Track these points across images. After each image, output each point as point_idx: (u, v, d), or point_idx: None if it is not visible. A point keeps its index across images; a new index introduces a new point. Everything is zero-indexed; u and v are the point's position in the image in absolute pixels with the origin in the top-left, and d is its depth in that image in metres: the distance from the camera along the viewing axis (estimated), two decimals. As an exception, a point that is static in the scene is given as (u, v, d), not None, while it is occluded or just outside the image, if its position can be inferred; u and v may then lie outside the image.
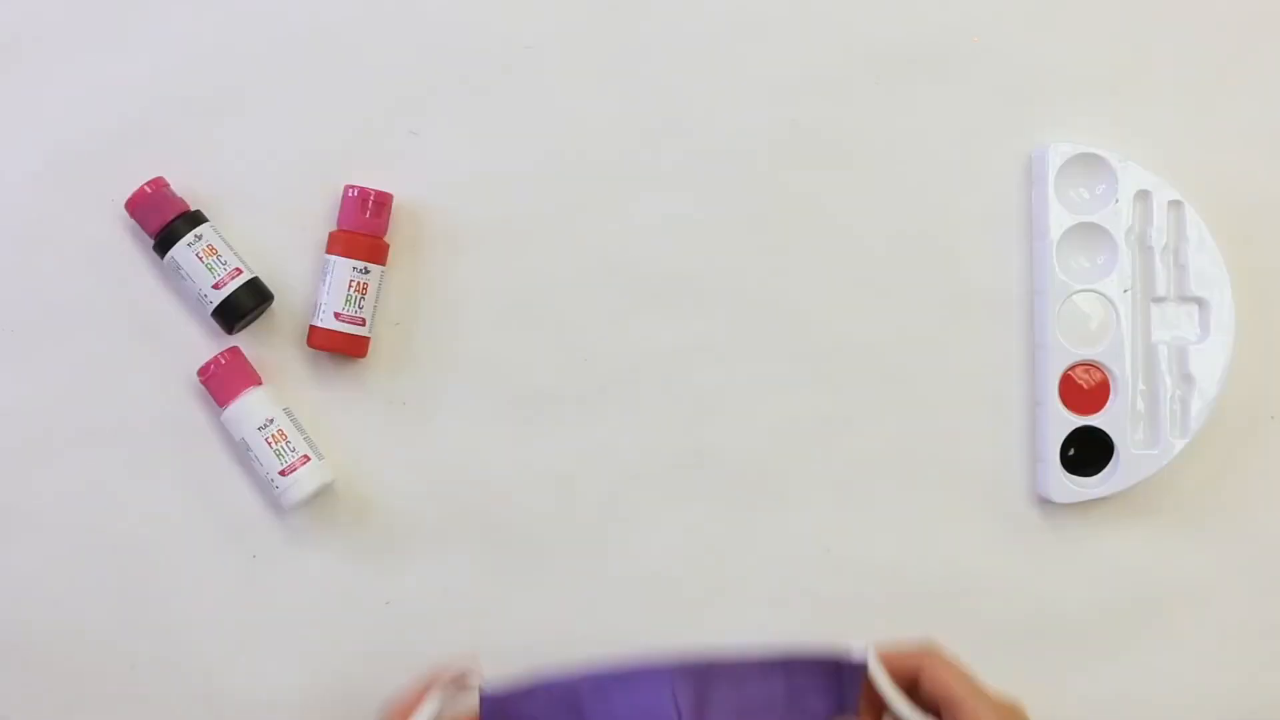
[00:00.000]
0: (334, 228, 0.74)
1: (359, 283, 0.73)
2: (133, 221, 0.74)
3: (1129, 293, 0.76)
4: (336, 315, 0.73)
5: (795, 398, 0.77)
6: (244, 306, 0.73)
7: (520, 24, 0.77)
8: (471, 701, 0.64)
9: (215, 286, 0.72)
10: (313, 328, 0.73)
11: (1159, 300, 0.77)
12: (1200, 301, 0.76)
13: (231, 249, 0.73)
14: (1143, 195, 0.76)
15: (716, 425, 0.76)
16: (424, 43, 0.76)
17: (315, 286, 0.74)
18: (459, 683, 0.64)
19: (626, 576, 0.76)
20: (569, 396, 0.76)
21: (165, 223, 0.72)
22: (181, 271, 0.72)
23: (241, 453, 0.74)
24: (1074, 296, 0.76)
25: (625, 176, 0.77)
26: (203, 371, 0.73)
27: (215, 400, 0.73)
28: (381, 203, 0.73)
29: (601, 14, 0.77)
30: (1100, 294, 0.76)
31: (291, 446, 0.72)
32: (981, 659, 0.74)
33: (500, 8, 0.77)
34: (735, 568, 0.76)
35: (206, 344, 0.75)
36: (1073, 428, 0.75)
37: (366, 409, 0.76)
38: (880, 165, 0.78)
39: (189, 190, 0.74)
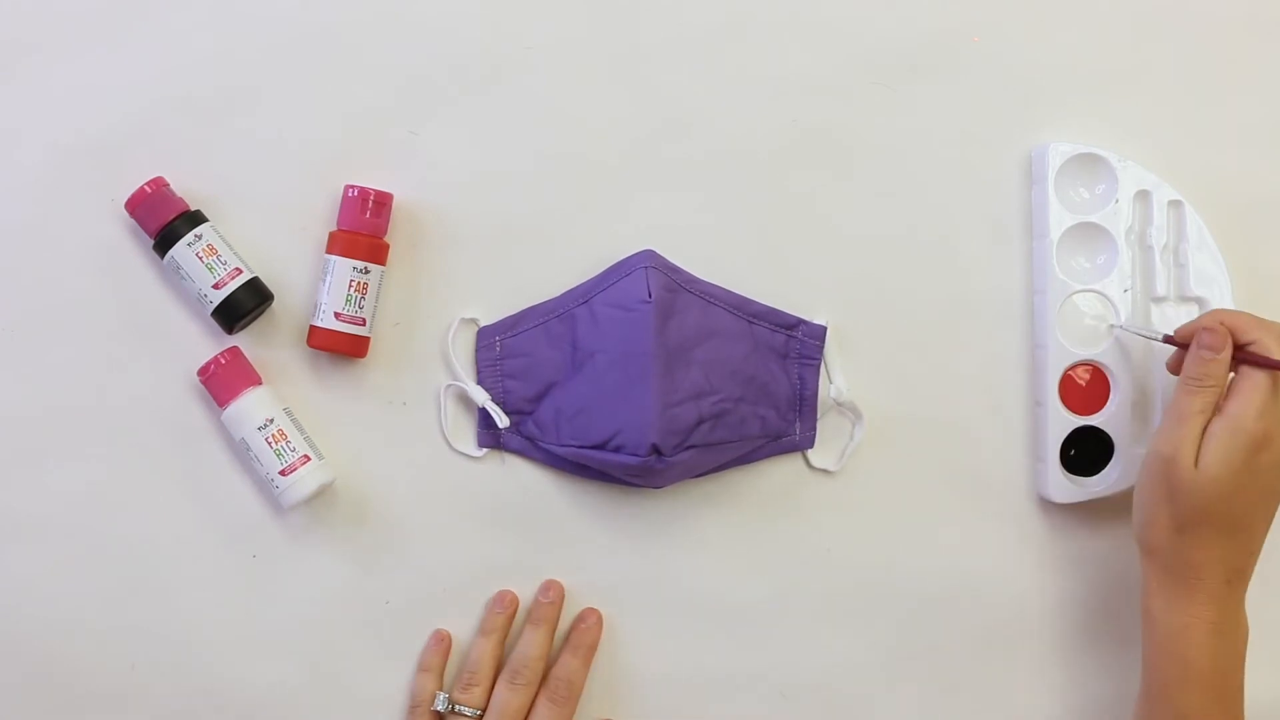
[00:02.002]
0: (334, 228, 0.74)
1: (359, 283, 0.73)
2: (133, 221, 0.74)
3: (1129, 292, 0.76)
4: (336, 315, 0.73)
5: (795, 398, 0.77)
6: (244, 306, 0.73)
7: (520, 24, 0.77)
8: None
9: (215, 286, 0.72)
10: (313, 328, 0.73)
11: (1159, 300, 0.77)
12: (1200, 301, 0.76)
13: (231, 249, 0.73)
14: (1143, 195, 0.76)
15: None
16: (424, 43, 0.76)
17: (315, 286, 0.74)
18: None
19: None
20: (569, 396, 0.76)
21: (165, 223, 0.72)
22: (181, 271, 0.72)
23: (241, 453, 0.74)
24: (1074, 296, 0.76)
25: (625, 176, 0.77)
26: (203, 371, 0.73)
27: (215, 400, 0.73)
28: (381, 203, 0.73)
29: (602, 15, 0.77)
30: (1100, 294, 0.76)
31: (291, 446, 0.72)
32: (981, 657, 0.74)
33: (500, 8, 0.77)
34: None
35: (206, 344, 0.75)
36: (1073, 428, 0.75)
37: (366, 409, 0.76)
38: (880, 165, 0.78)
39: (189, 190, 0.74)
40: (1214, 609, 0.65)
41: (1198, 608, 0.65)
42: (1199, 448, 0.63)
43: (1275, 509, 0.65)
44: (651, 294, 0.70)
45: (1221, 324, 0.65)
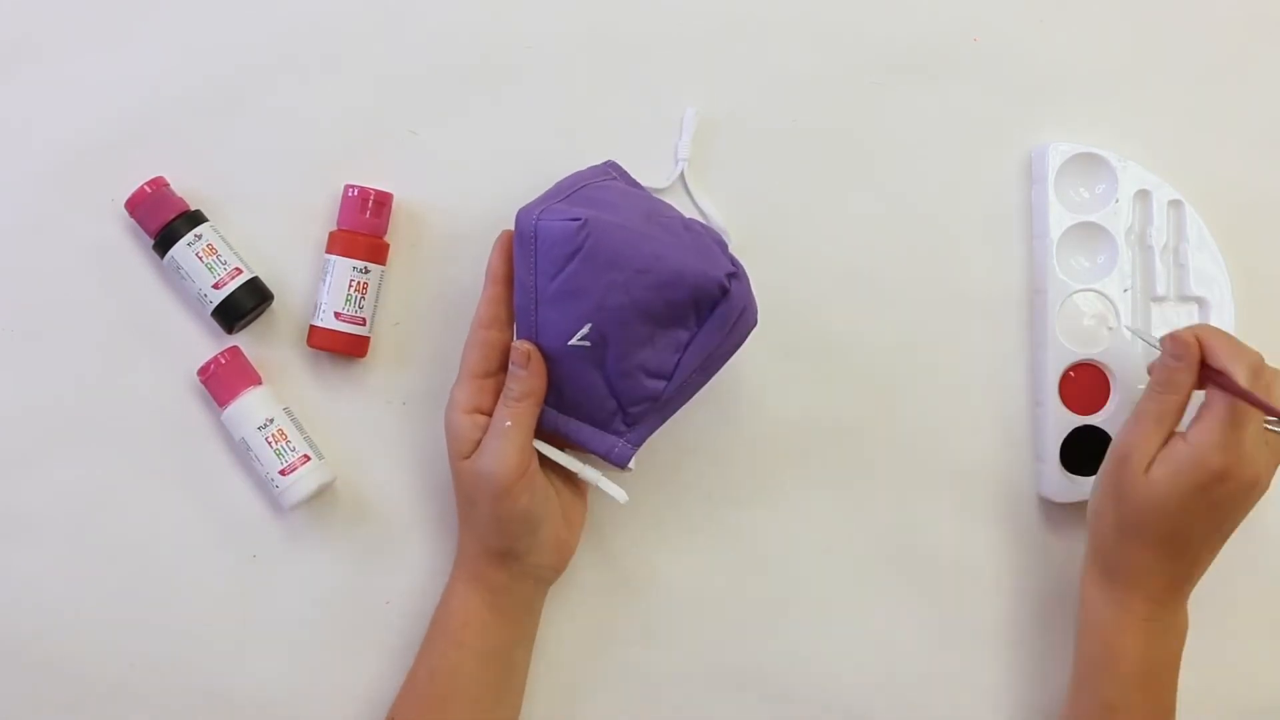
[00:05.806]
0: (334, 228, 0.74)
1: (359, 282, 0.73)
2: (133, 221, 0.74)
3: (1129, 292, 0.76)
4: (337, 315, 0.73)
5: (795, 398, 0.77)
6: (244, 306, 0.73)
7: (520, 24, 0.77)
8: None
9: (215, 286, 0.72)
10: (313, 327, 0.73)
11: (1159, 300, 0.77)
12: (1200, 301, 0.76)
13: (231, 249, 0.73)
14: (1143, 195, 0.76)
15: (717, 426, 0.76)
16: (424, 43, 0.76)
17: (315, 286, 0.74)
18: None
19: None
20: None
21: (165, 222, 0.72)
22: (181, 271, 0.72)
23: (241, 452, 0.74)
24: (1074, 296, 0.76)
25: (625, 176, 0.77)
26: (203, 371, 0.73)
27: (215, 400, 0.73)
28: (381, 203, 0.73)
29: (601, 14, 0.77)
30: (1100, 294, 0.76)
31: (291, 446, 0.72)
32: (981, 656, 0.74)
33: (500, 8, 0.77)
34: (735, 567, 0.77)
35: (206, 344, 0.75)
36: (1073, 427, 0.75)
37: (366, 409, 0.76)
38: (881, 165, 0.78)
39: (189, 190, 0.74)
40: (1149, 606, 0.65)
41: (1134, 602, 0.65)
42: (1154, 458, 0.62)
43: (1223, 538, 0.65)
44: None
45: (1196, 337, 0.64)
